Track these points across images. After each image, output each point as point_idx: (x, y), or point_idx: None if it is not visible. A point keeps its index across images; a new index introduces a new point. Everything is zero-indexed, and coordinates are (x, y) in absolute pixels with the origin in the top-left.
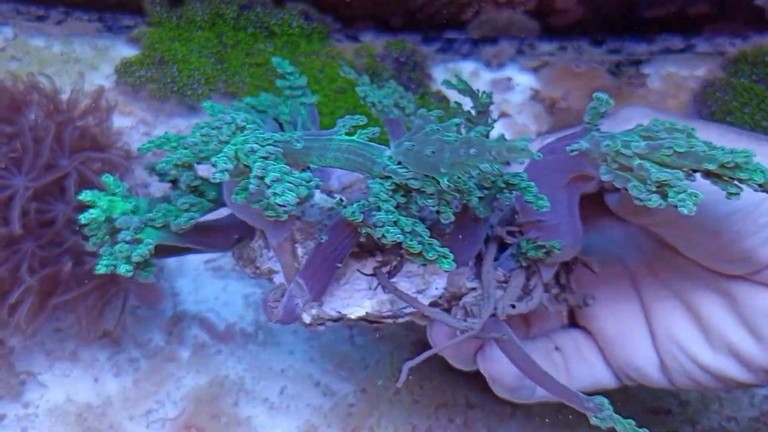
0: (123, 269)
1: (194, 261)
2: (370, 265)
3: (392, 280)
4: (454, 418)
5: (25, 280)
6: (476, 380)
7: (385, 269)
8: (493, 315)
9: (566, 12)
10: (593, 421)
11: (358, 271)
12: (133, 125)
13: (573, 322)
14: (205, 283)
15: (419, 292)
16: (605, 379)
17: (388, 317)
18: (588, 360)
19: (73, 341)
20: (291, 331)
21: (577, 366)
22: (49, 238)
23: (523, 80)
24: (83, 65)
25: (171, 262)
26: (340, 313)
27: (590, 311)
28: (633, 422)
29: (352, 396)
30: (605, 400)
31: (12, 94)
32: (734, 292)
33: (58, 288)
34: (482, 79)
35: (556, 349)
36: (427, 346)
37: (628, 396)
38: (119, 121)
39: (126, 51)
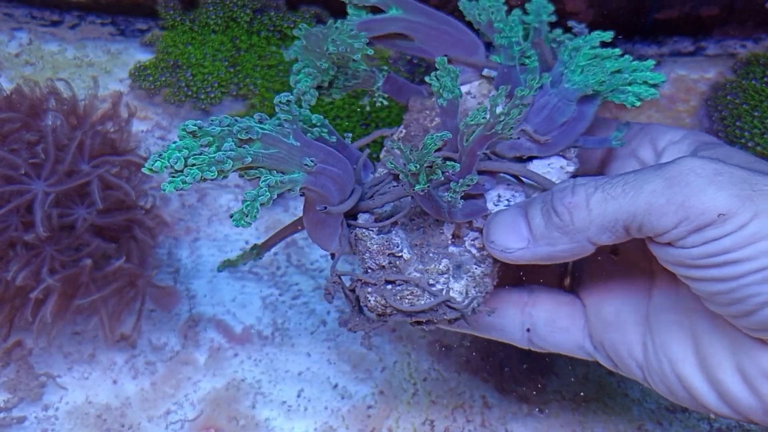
0: None
1: (210, 262)
2: None
3: None
4: (472, 418)
5: (46, 280)
6: (493, 381)
7: None
8: None
9: (576, 15)
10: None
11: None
12: (148, 129)
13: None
14: (221, 284)
15: None
16: (572, 348)
17: None
18: (559, 326)
19: (91, 344)
20: (308, 333)
21: (543, 325)
22: (69, 242)
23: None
24: (97, 69)
25: (187, 263)
26: None
27: (594, 287)
28: None
29: (370, 397)
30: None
31: (30, 101)
32: (744, 343)
33: (78, 291)
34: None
35: (532, 304)
36: (442, 346)
37: (645, 394)
38: (135, 125)
39: (139, 55)
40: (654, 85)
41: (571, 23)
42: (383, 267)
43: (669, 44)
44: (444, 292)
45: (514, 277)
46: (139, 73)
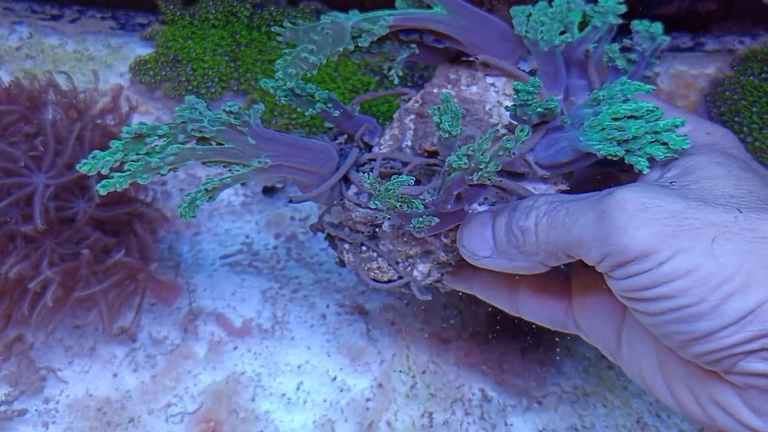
0: None
1: (211, 257)
2: None
3: None
4: (471, 411)
5: (45, 272)
6: (492, 374)
7: None
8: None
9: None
10: None
11: None
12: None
13: None
14: (221, 278)
15: None
16: (556, 325)
17: None
18: (546, 306)
19: (92, 338)
20: (308, 326)
21: (528, 296)
22: (69, 235)
23: None
24: (97, 63)
25: (188, 257)
26: None
27: (582, 276)
28: None
29: (368, 390)
30: None
31: (30, 93)
32: (691, 366)
33: (77, 284)
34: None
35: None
36: (440, 339)
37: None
38: (136, 119)
39: (140, 49)
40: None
41: (628, 41)
42: (361, 231)
43: (668, 40)
44: (408, 269)
45: None
46: (139, 67)
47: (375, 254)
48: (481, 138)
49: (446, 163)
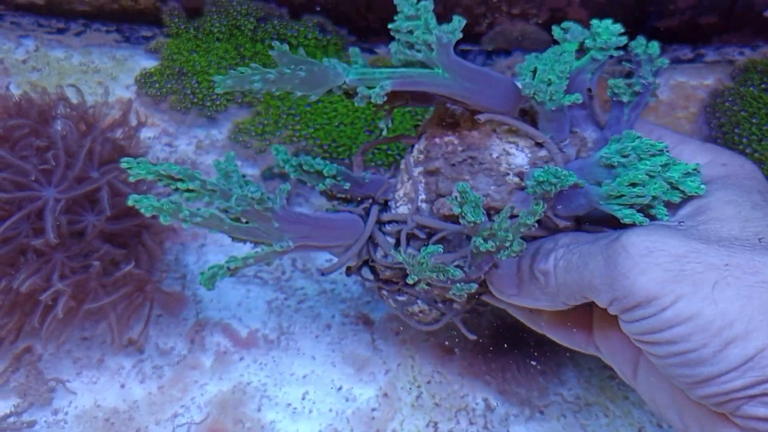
0: None
1: None
2: None
3: None
4: (475, 420)
5: (56, 285)
6: (495, 383)
7: None
8: None
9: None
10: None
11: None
12: (155, 136)
13: None
14: (227, 289)
15: None
16: (577, 347)
17: None
18: (568, 331)
19: (100, 349)
20: (313, 337)
21: (555, 328)
22: (79, 249)
23: None
24: (103, 75)
25: (194, 268)
26: None
27: (600, 313)
28: None
29: (374, 400)
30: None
31: (40, 107)
32: (703, 410)
33: (87, 297)
34: None
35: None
36: (444, 350)
37: None
38: (142, 132)
39: (144, 62)
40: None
41: (635, 80)
42: (397, 283)
43: (669, 52)
44: (447, 304)
45: None
46: (145, 79)
47: (414, 297)
48: (500, 217)
49: (473, 244)
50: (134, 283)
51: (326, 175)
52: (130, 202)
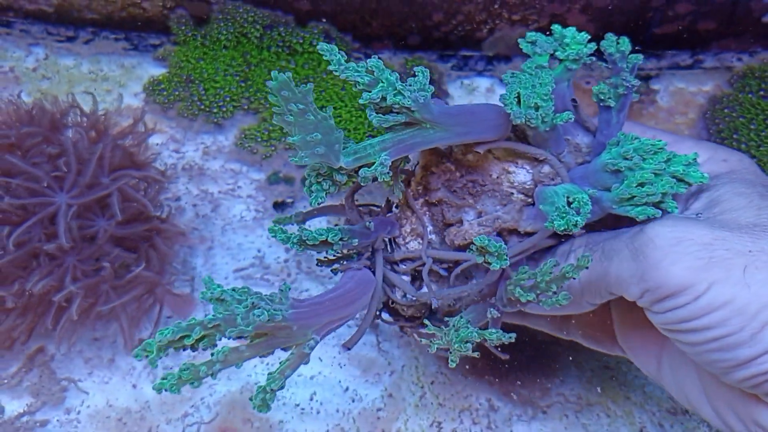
0: None
1: (224, 270)
2: None
3: None
4: (478, 420)
5: (68, 287)
6: (498, 384)
7: None
8: None
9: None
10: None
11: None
12: (163, 142)
13: None
14: None
15: None
16: (607, 350)
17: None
18: (594, 337)
19: (111, 350)
20: None
21: (584, 337)
22: (90, 252)
23: None
24: (111, 83)
25: (202, 271)
26: None
27: (618, 313)
28: None
29: (379, 400)
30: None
31: (51, 115)
32: (735, 390)
33: (98, 299)
34: (497, 94)
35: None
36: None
37: (647, 397)
38: (151, 138)
39: (153, 69)
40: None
41: (616, 80)
42: (419, 317)
43: (668, 57)
44: None
45: None
46: (153, 87)
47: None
48: (541, 270)
49: (509, 293)
50: (145, 286)
51: (332, 242)
52: (155, 388)
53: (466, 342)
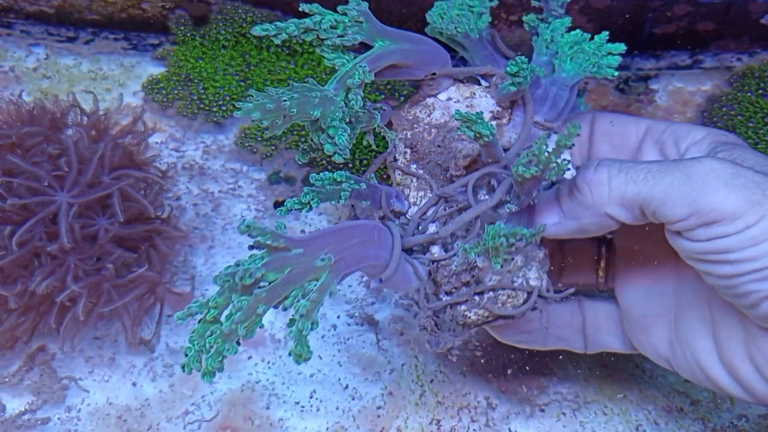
0: None
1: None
2: None
3: None
4: (477, 418)
5: (70, 287)
6: (497, 382)
7: None
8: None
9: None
10: None
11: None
12: (163, 141)
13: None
14: None
15: None
16: (616, 345)
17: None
18: (604, 330)
19: (111, 348)
20: (319, 337)
21: (592, 334)
22: (91, 252)
23: None
24: (111, 82)
25: (202, 270)
26: None
27: (624, 287)
28: None
29: (379, 398)
30: None
31: (52, 115)
32: (755, 335)
33: (100, 299)
34: None
35: (582, 313)
36: (449, 350)
37: (642, 396)
38: (150, 137)
39: (152, 69)
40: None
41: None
42: (468, 283)
43: (667, 58)
44: (524, 283)
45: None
46: (152, 86)
47: (494, 291)
48: (539, 142)
49: (516, 174)
50: (146, 285)
51: (338, 180)
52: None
53: (499, 236)
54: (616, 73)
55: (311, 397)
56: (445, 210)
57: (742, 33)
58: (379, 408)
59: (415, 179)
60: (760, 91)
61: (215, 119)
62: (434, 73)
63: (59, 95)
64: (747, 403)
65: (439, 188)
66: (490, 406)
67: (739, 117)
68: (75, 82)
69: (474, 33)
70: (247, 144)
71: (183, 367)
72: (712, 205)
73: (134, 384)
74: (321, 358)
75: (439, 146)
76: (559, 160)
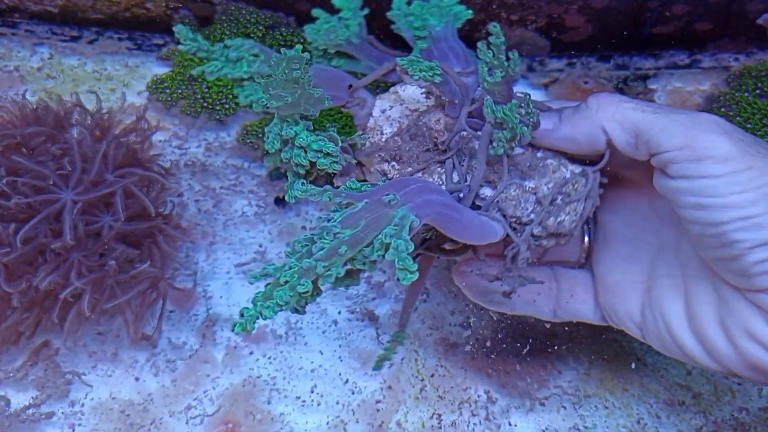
0: None
1: (226, 265)
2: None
3: None
4: (477, 412)
5: (74, 283)
6: (497, 376)
7: None
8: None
9: (576, 29)
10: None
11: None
12: (166, 139)
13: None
14: (236, 286)
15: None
16: (587, 314)
17: None
18: (578, 298)
19: (114, 344)
20: (320, 332)
21: (565, 299)
22: (95, 248)
23: (534, 96)
24: (115, 82)
25: (204, 266)
26: None
27: (601, 257)
28: None
29: (379, 393)
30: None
31: (56, 114)
32: (728, 299)
33: (103, 294)
34: None
35: (556, 280)
36: (448, 344)
37: (644, 390)
38: (154, 136)
39: (156, 68)
40: None
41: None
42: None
43: (665, 57)
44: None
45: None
46: (156, 86)
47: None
48: (481, 51)
49: (489, 86)
50: (149, 281)
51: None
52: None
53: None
54: (470, 12)
55: (312, 392)
56: (463, 164)
57: (739, 33)
58: (378, 402)
59: (421, 173)
60: (758, 92)
61: (218, 117)
62: (351, 85)
63: (63, 95)
64: (711, 372)
65: (441, 154)
66: (491, 400)
67: (737, 118)
68: (80, 82)
69: (355, 39)
70: (248, 140)
71: (234, 327)
72: (707, 143)
73: (137, 379)
74: (322, 354)
75: (413, 138)
76: (507, 54)
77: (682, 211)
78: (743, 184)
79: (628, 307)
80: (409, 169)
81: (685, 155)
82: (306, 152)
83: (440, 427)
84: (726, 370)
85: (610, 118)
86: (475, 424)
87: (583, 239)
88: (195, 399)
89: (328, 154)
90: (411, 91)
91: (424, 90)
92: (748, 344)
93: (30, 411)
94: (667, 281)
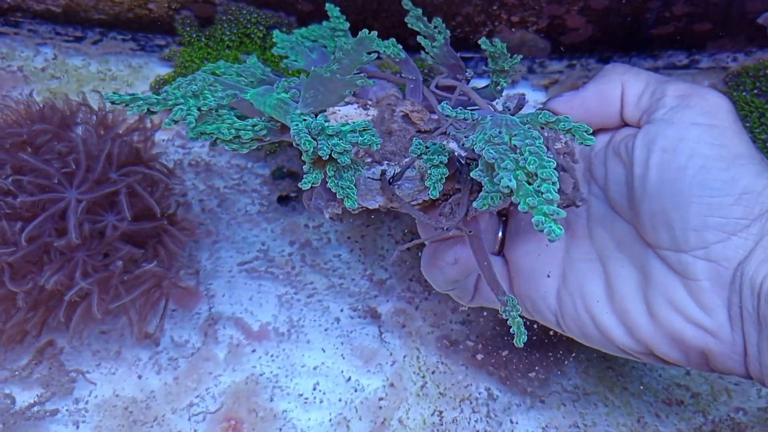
0: None
1: (228, 263)
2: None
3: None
4: (478, 409)
5: (79, 283)
6: (498, 374)
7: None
8: (466, 215)
9: (576, 30)
10: (501, 311)
11: (370, 178)
12: (169, 138)
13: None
14: (239, 284)
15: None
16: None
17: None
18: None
19: (117, 342)
20: (323, 330)
21: (483, 284)
22: (99, 248)
23: (534, 98)
24: (119, 82)
25: (207, 264)
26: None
27: (513, 245)
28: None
29: (381, 390)
30: (512, 298)
31: (61, 113)
32: (650, 271)
33: (107, 294)
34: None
35: None
36: (450, 342)
37: (644, 388)
38: (157, 135)
39: (159, 69)
40: None
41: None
42: None
43: (664, 57)
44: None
45: None
46: (159, 86)
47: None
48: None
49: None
50: (153, 280)
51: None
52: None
53: None
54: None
55: (314, 389)
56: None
57: (738, 33)
58: (381, 399)
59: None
60: (755, 91)
61: None
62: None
63: (68, 95)
64: (626, 355)
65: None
66: (492, 397)
67: None
68: (84, 82)
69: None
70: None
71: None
72: (704, 94)
73: (140, 377)
74: (324, 351)
75: (400, 129)
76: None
77: (643, 154)
78: (725, 132)
79: (542, 293)
80: (406, 159)
81: (679, 101)
82: (340, 138)
83: (441, 424)
84: (644, 349)
85: (627, 71)
86: (476, 421)
87: (498, 229)
88: (197, 396)
89: (364, 129)
90: (346, 110)
91: (358, 105)
92: (668, 314)
93: (35, 408)
94: (585, 265)
